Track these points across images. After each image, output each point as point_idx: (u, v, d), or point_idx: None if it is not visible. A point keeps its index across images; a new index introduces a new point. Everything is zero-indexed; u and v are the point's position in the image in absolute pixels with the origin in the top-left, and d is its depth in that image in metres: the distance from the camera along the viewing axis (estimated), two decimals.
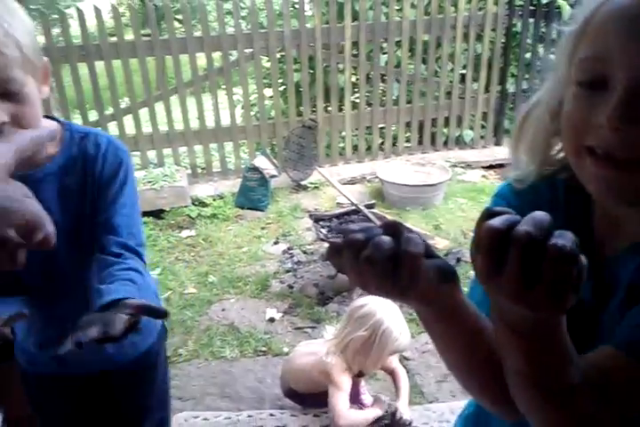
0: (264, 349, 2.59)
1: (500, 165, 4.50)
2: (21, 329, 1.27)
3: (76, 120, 4.04)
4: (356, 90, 4.83)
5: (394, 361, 2.10)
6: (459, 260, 3.27)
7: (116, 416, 1.45)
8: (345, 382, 1.90)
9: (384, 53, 4.64)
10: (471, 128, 5.00)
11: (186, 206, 3.96)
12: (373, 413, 1.97)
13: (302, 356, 2.11)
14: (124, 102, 4.48)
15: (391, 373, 2.09)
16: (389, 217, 3.22)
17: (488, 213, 0.47)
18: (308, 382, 2.01)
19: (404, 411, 1.98)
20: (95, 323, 0.86)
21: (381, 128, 4.83)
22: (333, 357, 1.91)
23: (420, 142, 4.97)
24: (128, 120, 4.21)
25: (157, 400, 1.46)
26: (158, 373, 1.43)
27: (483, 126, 5.03)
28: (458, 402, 2.20)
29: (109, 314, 0.89)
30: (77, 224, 1.12)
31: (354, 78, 4.77)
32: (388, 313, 1.86)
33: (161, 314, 0.94)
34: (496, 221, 0.45)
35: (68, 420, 1.41)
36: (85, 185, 1.11)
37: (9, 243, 0.48)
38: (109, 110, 4.31)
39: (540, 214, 0.45)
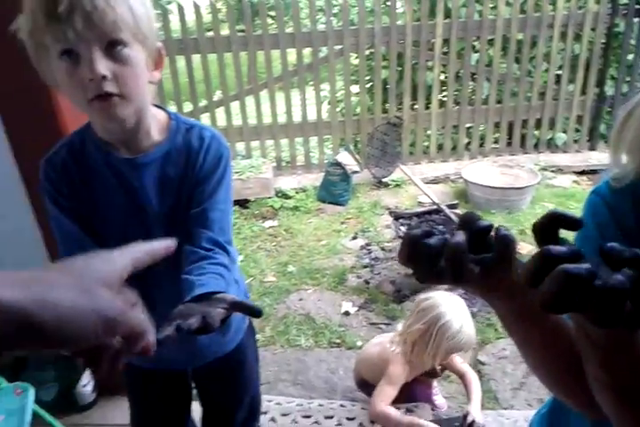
0: (338, 341, 2.62)
1: (594, 171, 4.30)
2: None
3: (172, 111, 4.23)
4: (444, 88, 4.76)
5: (463, 364, 2.05)
6: None
7: (209, 408, 1.53)
8: (398, 375, 1.87)
9: (475, 52, 4.54)
10: (564, 131, 4.79)
11: (270, 198, 4.06)
12: (409, 418, 1.88)
13: (372, 346, 2.13)
14: (217, 95, 4.64)
15: (461, 376, 2.05)
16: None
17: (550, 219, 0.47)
18: (376, 371, 2.01)
19: (476, 414, 1.94)
20: (194, 313, 0.86)
21: (468, 128, 4.74)
22: (396, 348, 1.91)
23: (509, 144, 4.83)
24: (220, 112, 4.36)
25: (248, 393, 1.50)
26: (247, 368, 1.45)
27: (577, 130, 4.82)
28: (533, 411, 2.13)
29: (207, 305, 0.89)
30: (173, 212, 1.14)
31: (442, 76, 4.70)
32: (449, 308, 1.80)
33: (255, 312, 0.93)
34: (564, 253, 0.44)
35: (158, 410, 1.47)
36: (185, 176, 1.13)
37: (111, 350, 0.50)
38: (203, 102, 4.48)
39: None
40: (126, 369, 1.39)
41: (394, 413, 1.85)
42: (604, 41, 4.54)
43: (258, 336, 2.62)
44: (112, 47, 0.93)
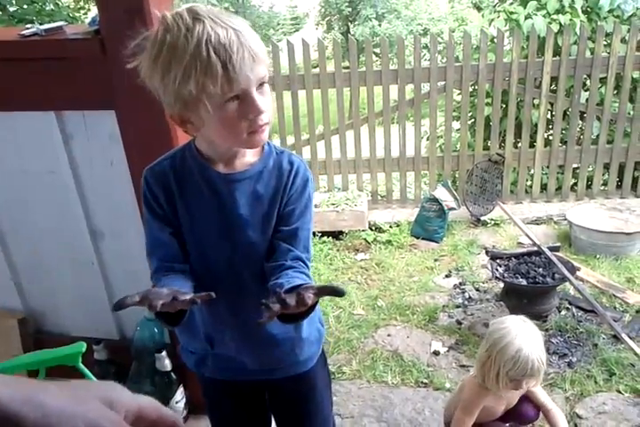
0: (425, 381, 2.55)
1: None
2: (184, 333, 1.37)
3: (276, 143, 4.41)
4: (550, 126, 4.62)
5: (547, 400, 1.95)
6: None
7: (284, 425, 1.56)
8: (472, 400, 1.84)
9: (586, 90, 4.39)
10: None
11: (363, 230, 4.09)
12: None
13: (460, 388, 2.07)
14: (319, 129, 4.79)
15: (546, 412, 1.94)
16: (576, 263, 3.01)
17: None
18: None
19: None
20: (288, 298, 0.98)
21: (575, 168, 4.54)
22: (473, 373, 1.88)
23: (619, 186, 4.57)
24: (320, 146, 4.49)
25: (318, 417, 1.53)
26: (318, 394, 1.49)
27: None
28: None
29: (297, 292, 1.00)
30: (263, 226, 1.23)
31: (549, 114, 4.57)
32: (511, 332, 1.75)
33: (340, 292, 1.01)
34: None
35: (232, 421, 1.53)
36: (277, 194, 1.22)
37: None
38: (305, 136, 4.63)
39: None
40: (202, 383, 1.48)
41: None
42: None
43: (345, 369, 2.64)
44: (261, 83, 1.07)
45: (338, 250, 3.93)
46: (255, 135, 1.10)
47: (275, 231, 1.23)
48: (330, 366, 2.64)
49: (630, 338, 2.70)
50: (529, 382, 1.78)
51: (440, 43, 5.37)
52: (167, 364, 2.09)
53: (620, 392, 2.43)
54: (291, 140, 4.60)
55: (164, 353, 2.08)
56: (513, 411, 1.98)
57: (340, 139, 4.45)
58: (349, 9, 18.30)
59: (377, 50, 6.04)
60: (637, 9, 4.50)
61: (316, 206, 4.10)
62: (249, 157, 1.22)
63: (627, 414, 2.29)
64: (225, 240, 1.22)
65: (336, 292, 1.02)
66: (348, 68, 4.38)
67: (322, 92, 4.32)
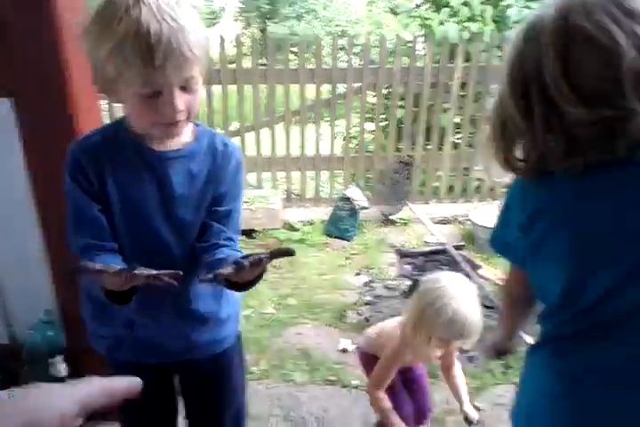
0: (333, 378, 2.57)
1: None
2: (97, 318, 1.32)
3: None
4: (458, 130, 4.81)
5: (455, 359, 1.94)
6: None
7: (194, 415, 1.53)
8: (396, 352, 1.77)
9: (492, 96, 4.59)
10: None
11: (276, 229, 4.07)
12: (394, 420, 1.79)
13: (390, 324, 2.03)
14: (233, 126, 4.72)
15: (447, 367, 1.92)
16: (477, 261, 3.14)
17: None
18: (380, 347, 1.92)
19: (470, 411, 1.85)
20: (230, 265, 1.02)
21: (480, 170, 4.75)
22: (400, 329, 1.81)
23: None
24: (235, 142, 4.42)
25: (234, 400, 1.52)
26: (234, 376, 1.48)
27: None
28: None
29: (251, 255, 1.03)
30: (197, 206, 1.23)
31: (458, 119, 4.75)
32: (448, 292, 1.62)
33: (292, 252, 1.04)
34: None
35: (146, 406, 1.45)
36: (211, 174, 1.22)
37: None
38: (218, 132, 4.55)
39: None
40: (113, 370, 1.40)
41: (386, 403, 1.80)
42: None
43: (253, 369, 2.61)
44: (186, 82, 1.06)
45: (250, 249, 3.89)
46: (168, 128, 1.11)
47: (208, 212, 1.24)
48: None
49: (525, 332, 2.85)
50: (461, 343, 1.72)
51: (357, 45, 5.45)
52: (62, 369, 1.98)
53: (515, 384, 2.55)
54: None
55: (59, 358, 1.97)
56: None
57: (255, 136, 4.41)
58: (268, 6, 18.24)
59: (295, 49, 6.04)
60: None
61: None
62: (183, 136, 1.20)
63: None
64: (158, 218, 1.20)
65: (288, 252, 1.04)
66: (265, 65, 4.34)
67: (237, 88, 4.26)
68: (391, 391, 1.87)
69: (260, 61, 4.39)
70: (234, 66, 4.28)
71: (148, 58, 0.97)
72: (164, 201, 1.20)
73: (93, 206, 1.17)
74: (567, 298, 0.93)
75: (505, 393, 2.48)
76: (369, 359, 2.03)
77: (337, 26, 18.30)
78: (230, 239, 1.24)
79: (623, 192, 0.86)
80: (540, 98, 0.83)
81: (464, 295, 1.64)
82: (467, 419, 1.84)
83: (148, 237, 1.21)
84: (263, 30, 19.70)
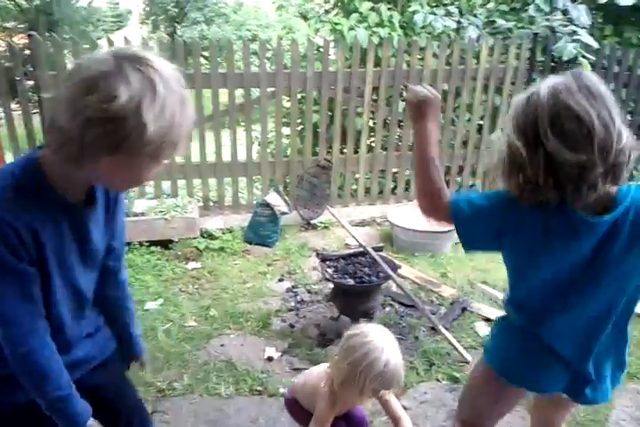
0: (260, 388, 2.52)
1: None
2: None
3: None
4: (372, 134, 4.89)
5: (399, 408, 1.96)
6: (464, 309, 3.22)
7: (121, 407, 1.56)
8: (326, 414, 1.80)
9: (403, 100, 4.71)
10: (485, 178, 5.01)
11: (194, 238, 3.97)
12: None
13: (315, 373, 2.03)
14: None
15: (395, 421, 1.95)
16: (397, 261, 3.20)
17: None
18: (310, 400, 1.92)
19: None
20: None
21: (395, 172, 4.86)
22: (324, 384, 1.82)
23: None
24: None
25: (135, 395, 1.64)
26: (125, 374, 1.60)
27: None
28: None
29: None
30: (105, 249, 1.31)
31: (371, 122, 4.84)
32: (375, 347, 1.69)
33: None
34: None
35: None
36: (108, 210, 1.26)
37: None
38: None
39: None
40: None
41: None
42: None
43: (175, 385, 2.52)
44: None
45: (167, 260, 3.76)
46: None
47: (113, 249, 1.35)
48: (159, 383, 2.52)
49: (446, 329, 2.93)
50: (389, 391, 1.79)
51: (269, 49, 5.42)
52: None
53: (438, 380, 2.62)
54: None
55: None
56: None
57: None
58: (176, 10, 17.86)
59: (205, 53, 5.93)
60: (446, 27, 4.95)
61: (142, 214, 3.90)
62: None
63: (444, 400, 2.47)
64: (87, 271, 1.24)
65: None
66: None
67: None
68: None
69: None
70: None
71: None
72: (88, 253, 1.22)
73: (38, 288, 1.12)
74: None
75: (429, 390, 2.53)
76: (297, 407, 2.04)
77: (248, 30, 18.23)
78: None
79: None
80: (538, 146, 1.20)
81: (390, 347, 1.72)
82: None
83: (74, 287, 1.22)
84: (171, 34, 19.28)
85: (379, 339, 1.73)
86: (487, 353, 1.61)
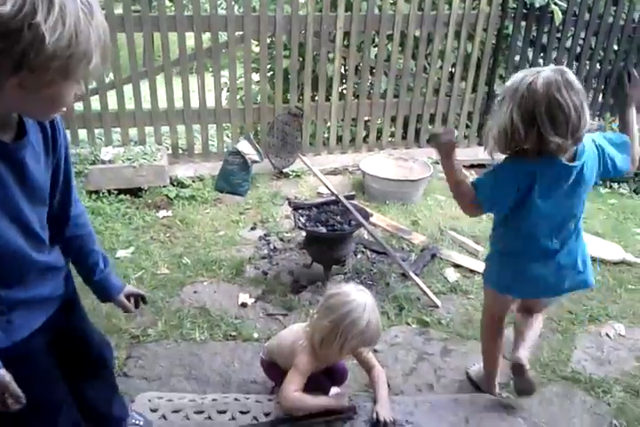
0: (234, 333, 2.57)
1: (482, 166, 4.53)
2: None
3: None
4: (344, 81, 4.81)
5: (372, 358, 2.04)
6: (434, 256, 3.29)
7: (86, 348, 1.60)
8: (305, 365, 1.86)
9: (375, 46, 4.62)
10: (456, 127, 5.01)
11: (164, 186, 3.91)
12: (325, 400, 1.92)
13: (289, 332, 2.10)
14: (109, 78, 4.39)
15: (368, 370, 2.04)
16: (369, 209, 3.22)
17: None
18: (288, 358, 1.97)
19: (385, 413, 1.91)
20: None
21: (367, 121, 4.82)
22: (304, 340, 1.89)
23: (404, 137, 4.98)
24: (111, 95, 4.13)
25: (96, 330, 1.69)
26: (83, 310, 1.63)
27: (467, 126, 5.06)
28: (423, 396, 2.22)
29: None
30: (51, 187, 1.24)
31: (343, 69, 4.75)
32: (356, 306, 1.77)
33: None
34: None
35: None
36: (48, 150, 1.19)
37: None
38: (92, 84, 4.21)
39: None
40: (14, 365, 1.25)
41: (308, 397, 1.85)
42: (494, 42, 4.79)
43: (150, 331, 2.54)
44: None
45: (137, 208, 3.72)
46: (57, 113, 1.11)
47: (65, 187, 1.28)
48: (133, 330, 2.54)
49: (416, 275, 3.00)
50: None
51: None
52: None
53: (408, 324, 2.70)
54: None
55: None
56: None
57: (133, 88, 4.13)
58: None
59: None
60: None
61: (110, 162, 3.81)
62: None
63: (414, 343, 2.56)
64: (34, 208, 1.18)
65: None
66: (138, 11, 4.03)
67: (110, 36, 3.91)
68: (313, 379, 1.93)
69: (133, 8, 4.06)
70: (104, 12, 3.92)
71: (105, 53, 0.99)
72: (31, 194, 1.16)
73: None
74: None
75: (399, 333, 2.62)
76: (274, 368, 2.08)
77: None
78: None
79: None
80: (533, 126, 1.59)
81: (371, 306, 1.80)
82: (377, 421, 1.89)
83: (22, 224, 1.17)
84: None
85: (360, 298, 1.80)
86: (487, 281, 2.07)
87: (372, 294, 1.86)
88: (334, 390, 2.15)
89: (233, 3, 4.14)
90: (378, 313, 1.82)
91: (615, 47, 5.07)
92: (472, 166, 4.64)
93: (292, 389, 1.83)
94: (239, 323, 2.64)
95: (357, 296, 1.81)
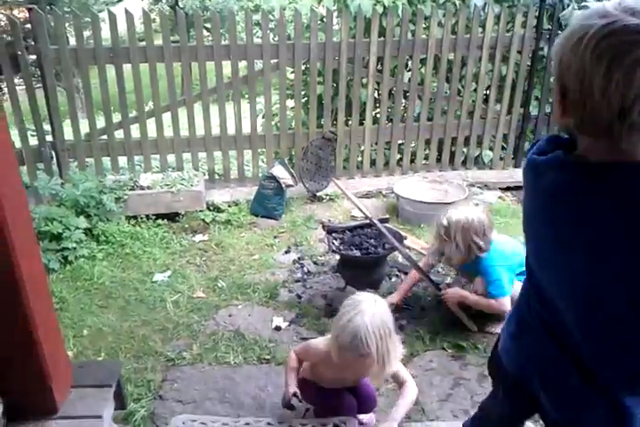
0: (268, 357, 2.57)
1: (518, 187, 4.47)
2: None
3: (100, 121, 4.11)
4: (377, 105, 4.85)
5: (403, 373, 1.98)
6: None
7: None
8: (316, 350, 1.95)
9: (408, 70, 4.66)
10: (491, 149, 4.98)
11: (201, 211, 3.99)
12: (290, 383, 1.97)
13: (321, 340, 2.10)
14: (149, 106, 4.54)
15: (400, 386, 1.99)
16: (403, 233, 3.21)
17: None
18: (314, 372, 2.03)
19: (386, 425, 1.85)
20: None
21: (400, 144, 4.84)
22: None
23: (439, 160, 4.96)
24: (150, 124, 4.26)
25: None
26: None
27: (503, 148, 5.02)
28: (458, 422, 2.16)
29: None
30: None
31: (376, 93, 4.79)
32: (352, 305, 1.75)
33: None
34: None
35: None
36: None
37: None
38: (133, 113, 4.36)
39: None
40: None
41: (290, 363, 2.01)
42: (529, 63, 4.77)
43: (185, 354, 2.57)
44: None
45: (174, 232, 3.80)
46: None
47: None
48: (169, 353, 2.56)
49: None
50: (358, 363, 1.76)
51: (271, 20, 5.34)
52: None
53: (444, 349, 2.65)
54: (117, 117, 4.30)
55: None
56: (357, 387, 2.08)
57: (171, 116, 4.26)
58: None
59: (207, 24, 5.85)
60: None
61: (148, 188, 3.91)
62: None
63: (450, 368, 2.51)
64: None
65: None
66: (177, 42, 4.18)
67: (149, 66, 4.07)
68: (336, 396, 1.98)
69: (172, 39, 4.22)
70: (144, 43, 4.08)
71: None
72: None
73: None
74: None
75: (434, 358, 2.57)
76: (304, 385, 2.06)
77: (250, 1, 17.93)
78: None
79: None
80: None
81: (370, 311, 1.72)
82: None
83: None
84: (173, 6, 18.95)
85: (364, 302, 1.76)
86: None
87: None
88: (362, 416, 2.13)
89: (268, 31, 4.25)
90: (376, 323, 1.71)
91: None
92: (508, 189, 4.59)
93: (297, 348, 2.04)
94: (273, 346, 2.64)
95: (363, 299, 1.79)
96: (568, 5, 4.53)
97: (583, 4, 4.51)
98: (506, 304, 2.58)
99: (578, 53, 0.86)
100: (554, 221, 1.03)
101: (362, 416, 2.13)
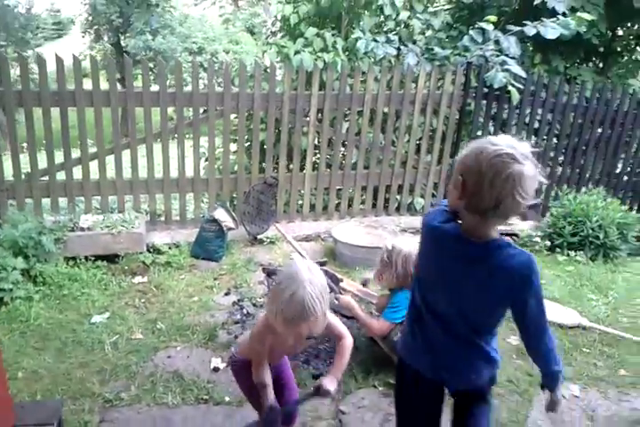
0: (206, 397, 2.62)
1: None
2: None
3: (43, 161, 4.11)
4: (317, 152, 5.09)
5: (339, 327, 1.97)
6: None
7: None
8: (260, 334, 1.89)
9: (346, 121, 4.94)
10: (422, 196, 5.30)
11: (141, 253, 4.02)
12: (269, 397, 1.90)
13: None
14: (92, 148, 4.58)
15: (339, 339, 1.98)
16: (339, 275, 3.37)
17: None
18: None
19: (328, 381, 1.87)
20: None
21: (339, 190, 5.07)
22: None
23: (374, 206, 5.22)
24: (93, 165, 4.29)
25: None
26: None
27: (433, 195, 5.33)
28: None
29: None
30: None
31: (316, 141, 5.04)
32: (292, 276, 1.72)
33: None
34: None
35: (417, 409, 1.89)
36: None
37: None
38: (76, 154, 4.39)
39: None
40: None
41: (263, 380, 1.91)
42: (457, 117, 5.15)
43: (123, 395, 2.58)
44: None
45: (113, 274, 3.81)
46: None
47: None
48: (107, 394, 2.58)
49: (383, 339, 3.11)
50: (307, 326, 1.72)
51: (215, 62, 5.53)
52: None
53: (375, 387, 2.78)
54: (60, 157, 4.31)
55: None
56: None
57: (115, 158, 4.32)
58: (120, 20, 17.67)
59: (151, 64, 5.99)
60: (387, 53, 5.22)
61: (89, 229, 3.93)
62: None
63: (380, 405, 2.64)
64: None
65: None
66: (122, 80, 4.27)
67: (95, 110, 4.15)
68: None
69: (118, 76, 4.30)
70: (90, 87, 4.14)
71: None
72: None
73: None
74: None
75: (366, 396, 2.70)
76: (242, 369, 2.06)
77: (194, 42, 18.29)
78: None
79: None
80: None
81: (308, 281, 1.71)
82: (317, 388, 1.89)
83: None
84: (115, 44, 19.06)
85: (301, 275, 1.72)
86: None
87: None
88: None
89: (214, 81, 4.44)
90: (317, 289, 1.71)
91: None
92: None
93: (254, 364, 1.92)
94: (211, 387, 2.70)
95: (301, 268, 1.75)
96: (492, 67, 4.97)
97: (506, 66, 4.96)
98: (383, 329, 2.76)
99: (477, 163, 1.40)
100: (449, 265, 1.63)
101: None
